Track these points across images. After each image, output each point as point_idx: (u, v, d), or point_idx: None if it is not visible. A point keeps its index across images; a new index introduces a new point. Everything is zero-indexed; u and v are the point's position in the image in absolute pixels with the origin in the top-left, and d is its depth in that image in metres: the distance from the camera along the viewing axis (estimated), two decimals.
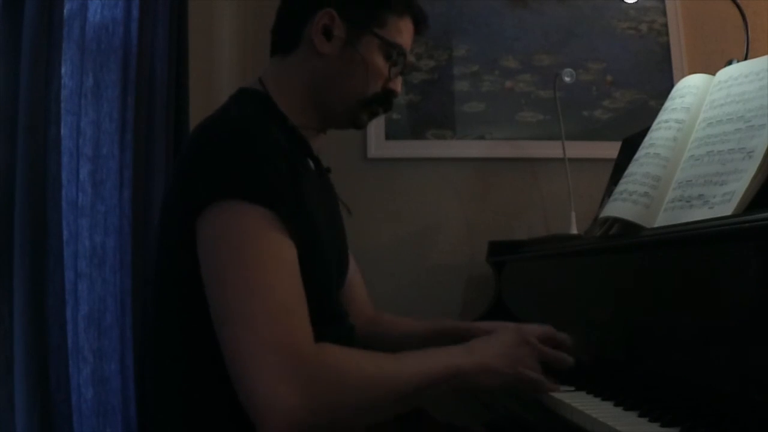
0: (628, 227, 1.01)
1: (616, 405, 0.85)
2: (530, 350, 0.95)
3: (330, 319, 0.96)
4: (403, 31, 1.05)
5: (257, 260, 0.79)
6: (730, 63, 1.09)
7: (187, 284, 0.85)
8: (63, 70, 1.01)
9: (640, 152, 1.10)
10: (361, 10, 1.02)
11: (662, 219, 0.97)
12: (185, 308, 0.87)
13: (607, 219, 1.07)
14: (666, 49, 2.12)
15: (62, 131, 1.00)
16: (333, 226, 1.08)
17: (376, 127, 2.01)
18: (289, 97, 1.03)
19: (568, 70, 1.91)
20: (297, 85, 1.03)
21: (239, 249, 0.80)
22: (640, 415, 0.79)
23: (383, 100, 1.07)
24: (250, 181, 0.83)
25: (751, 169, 0.86)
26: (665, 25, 2.12)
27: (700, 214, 0.89)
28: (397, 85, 1.08)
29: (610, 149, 1.62)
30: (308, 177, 0.97)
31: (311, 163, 1.05)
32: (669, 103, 1.12)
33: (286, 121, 1.00)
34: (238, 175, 0.83)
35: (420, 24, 1.09)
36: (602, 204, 1.41)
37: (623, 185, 1.07)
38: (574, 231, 1.78)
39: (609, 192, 1.37)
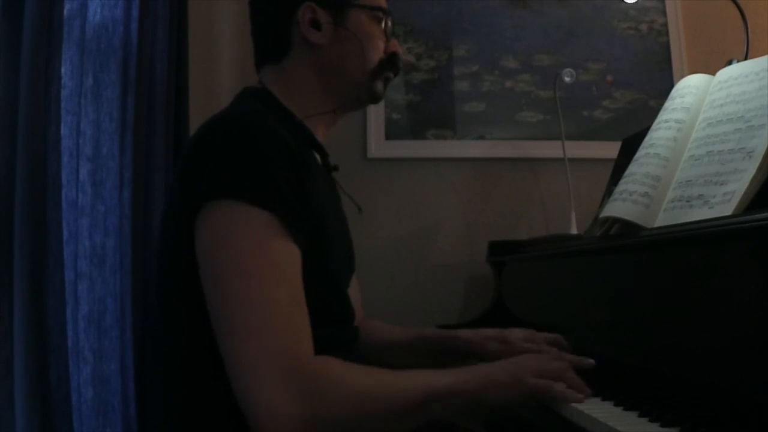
0: (628, 227, 1.01)
1: (616, 405, 0.85)
2: (536, 359, 0.94)
3: (337, 321, 0.96)
4: None
5: (258, 271, 0.78)
6: (730, 63, 1.09)
7: (187, 283, 0.84)
8: (63, 70, 1.01)
9: (640, 152, 1.10)
10: None
11: (662, 219, 0.97)
12: (186, 308, 0.87)
13: (607, 219, 1.07)
14: (666, 49, 2.12)
15: (62, 131, 1.00)
16: (340, 224, 1.08)
17: (376, 127, 2.01)
18: (297, 95, 1.04)
19: (568, 70, 1.91)
20: (304, 83, 1.04)
21: (239, 258, 0.79)
22: (640, 415, 0.79)
23: (390, 64, 1.09)
24: (252, 182, 0.81)
25: (751, 169, 0.86)
26: (665, 25, 2.12)
27: (700, 214, 0.89)
28: (396, 46, 1.10)
29: (610, 149, 1.62)
30: (316, 173, 0.96)
31: (318, 159, 1.05)
32: (669, 103, 1.12)
33: (293, 118, 1.01)
34: (241, 174, 0.82)
35: None
36: (602, 204, 1.41)
37: (623, 185, 1.07)
38: (574, 231, 1.78)
39: (609, 192, 1.37)
